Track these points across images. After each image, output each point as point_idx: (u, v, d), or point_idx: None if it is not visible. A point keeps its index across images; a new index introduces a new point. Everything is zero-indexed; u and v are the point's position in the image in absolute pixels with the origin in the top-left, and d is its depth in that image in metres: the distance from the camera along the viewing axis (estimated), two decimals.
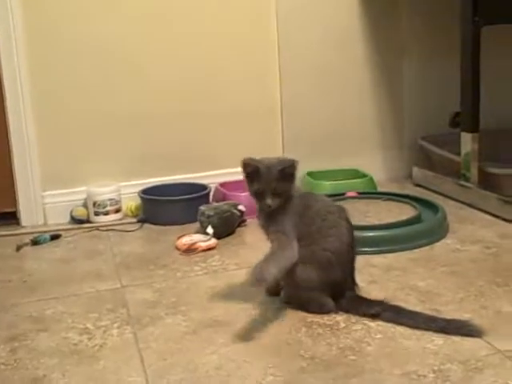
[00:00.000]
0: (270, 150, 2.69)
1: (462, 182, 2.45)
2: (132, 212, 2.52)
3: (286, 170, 1.56)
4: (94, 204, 2.46)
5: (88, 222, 2.48)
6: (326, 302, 1.60)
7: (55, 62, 2.45)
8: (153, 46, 2.53)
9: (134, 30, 2.50)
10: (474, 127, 2.38)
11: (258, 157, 1.62)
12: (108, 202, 2.46)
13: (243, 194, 2.45)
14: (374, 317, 1.55)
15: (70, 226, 2.45)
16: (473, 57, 2.32)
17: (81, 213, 2.48)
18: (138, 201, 2.51)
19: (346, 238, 1.61)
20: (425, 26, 2.78)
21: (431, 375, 1.32)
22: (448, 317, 1.51)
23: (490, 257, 1.95)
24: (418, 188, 2.71)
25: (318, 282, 1.58)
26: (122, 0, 2.48)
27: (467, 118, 2.39)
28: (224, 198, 2.47)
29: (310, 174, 2.66)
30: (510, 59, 2.86)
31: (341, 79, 2.73)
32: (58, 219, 2.50)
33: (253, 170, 1.57)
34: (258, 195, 1.58)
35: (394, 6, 2.76)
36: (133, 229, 2.40)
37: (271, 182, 1.55)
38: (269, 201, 1.56)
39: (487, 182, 2.41)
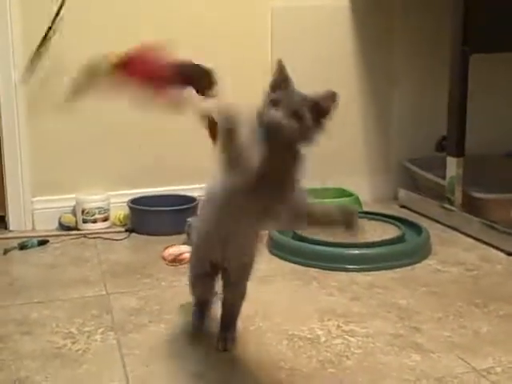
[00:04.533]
0: None
1: (446, 205, 2.50)
2: (120, 221, 2.54)
3: (322, 104, 1.26)
4: (83, 212, 2.48)
5: (76, 229, 2.50)
6: None
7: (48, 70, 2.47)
8: None
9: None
10: (459, 152, 2.43)
11: None
12: (96, 211, 2.48)
13: None
14: None
15: (57, 233, 2.47)
16: (460, 83, 2.38)
17: (69, 220, 2.50)
18: (127, 210, 2.54)
19: None
20: (416, 53, 2.84)
21: None
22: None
23: (471, 279, 1.99)
24: (403, 209, 2.75)
25: None
26: (105, 25, 2.50)
27: (453, 142, 2.44)
28: None
29: None
30: (498, 88, 2.93)
31: None
32: (46, 225, 2.51)
33: (282, 78, 1.26)
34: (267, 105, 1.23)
35: (388, 34, 2.82)
36: (120, 238, 2.42)
37: (295, 100, 1.23)
38: (278, 113, 1.20)
39: (471, 206, 2.46)
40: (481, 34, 2.32)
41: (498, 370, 1.43)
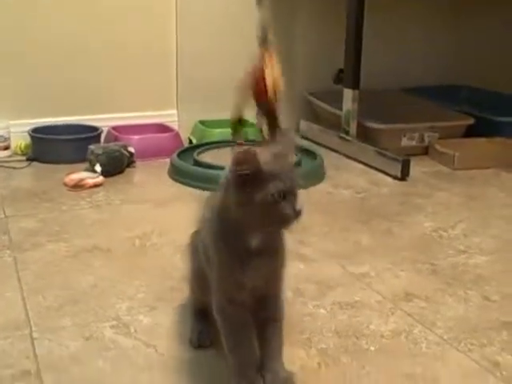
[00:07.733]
0: (164, 96, 2.78)
1: (343, 135, 2.62)
2: (22, 150, 2.51)
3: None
4: None
5: None
6: None
7: None
8: None
9: None
10: (355, 84, 2.54)
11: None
12: None
13: (135, 137, 2.52)
14: None
15: None
16: (356, 17, 2.47)
17: None
18: (28, 140, 2.51)
19: None
20: None
21: (289, 294, 1.46)
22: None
23: (359, 200, 2.13)
24: (304, 141, 2.86)
25: None
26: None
27: (349, 75, 2.54)
28: (116, 140, 2.52)
29: (202, 122, 2.74)
30: (394, 23, 3.06)
31: (237, 31, 2.81)
32: None
33: (256, 170, 1.00)
34: (275, 203, 1.02)
35: None
36: (21, 166, 2.40)
37: (294, 179, 1.06)
38: (298, 206, 1.05)
39: (365, 135, 2.60)
40: None
41: (372, 274, 1.57)
